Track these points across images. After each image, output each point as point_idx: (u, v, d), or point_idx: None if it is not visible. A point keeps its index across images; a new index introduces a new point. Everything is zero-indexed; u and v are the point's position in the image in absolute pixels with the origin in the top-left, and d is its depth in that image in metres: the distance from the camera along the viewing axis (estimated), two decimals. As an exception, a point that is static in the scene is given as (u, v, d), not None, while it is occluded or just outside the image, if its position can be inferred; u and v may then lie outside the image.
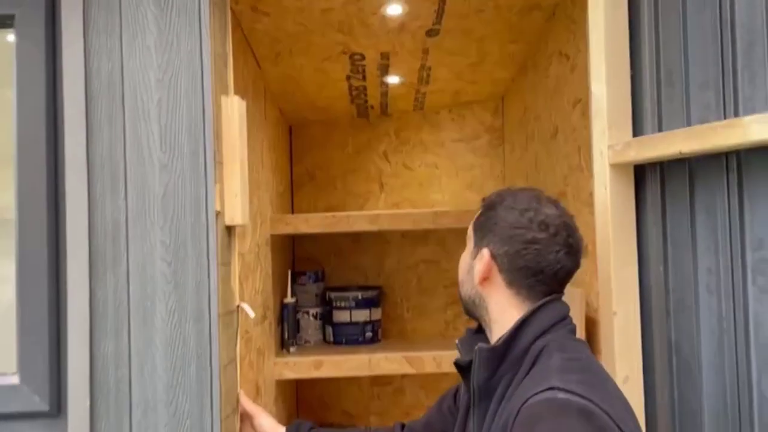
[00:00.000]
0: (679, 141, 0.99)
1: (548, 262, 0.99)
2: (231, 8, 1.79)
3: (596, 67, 1.09)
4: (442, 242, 2.69)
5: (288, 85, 2.37)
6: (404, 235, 2.69)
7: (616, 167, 1.07)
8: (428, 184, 2.73)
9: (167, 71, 1.11)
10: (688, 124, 1.03)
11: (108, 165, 1.10)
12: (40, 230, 1.09)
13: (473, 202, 2.64)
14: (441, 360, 2.30)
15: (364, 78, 2.31)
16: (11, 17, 1.12)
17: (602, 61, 1.07)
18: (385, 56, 2.11)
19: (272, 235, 2.34)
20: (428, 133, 2.74)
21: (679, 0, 1.03)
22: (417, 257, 2.72)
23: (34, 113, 1.11)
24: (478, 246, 1.09)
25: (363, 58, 2.12)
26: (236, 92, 1.87)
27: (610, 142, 1.06)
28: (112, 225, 1.10)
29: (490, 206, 1.09)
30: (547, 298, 1.00)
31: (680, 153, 0.99)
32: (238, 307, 1.24)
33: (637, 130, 1.09)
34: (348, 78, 2.31)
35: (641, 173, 1.10)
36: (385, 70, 2.24)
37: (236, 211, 1.18)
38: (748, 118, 0.86)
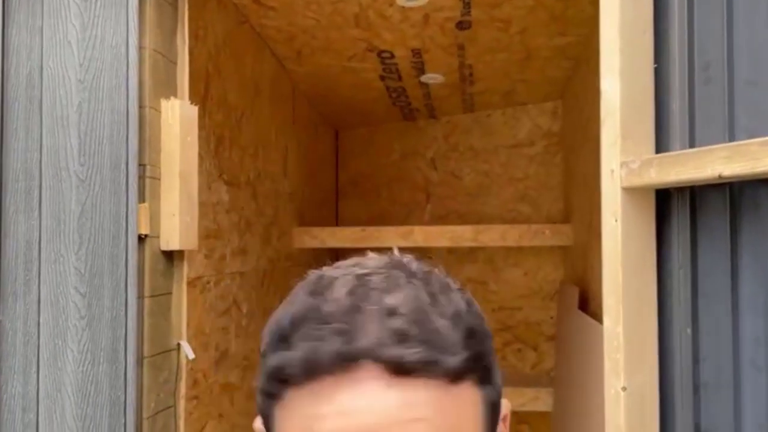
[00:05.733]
0: (718, 160, 0.71)
1: None
2: (234, 2, 1.65)
3: (608, 57, 0.82)
4: (490, 261, 2.41)
5: (320, 86, 2.20)
6: (450, 251, 2.44)
7: (632, 192, 0.79)
8: (477, 194, 2.46)
9: (89, 70, 0.96)
10: (732, 137, 0.74)
11: (23, 178, 0.96)
12: (-45, 250, 0.97)
13: (525, 218, 2.35)
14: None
15: (399, 78, 2.10)
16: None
17: (616, 48, 0.80)
18: (416, 53, 1.89)
19: (299, 249, 2.18)
20: (479, 137, 2.47)
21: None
22: (463, 276, 2.46)
23: (-48, 119, 0.98)
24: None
25: (392, 56, 1.91)
26: (241, 92, 1.73)
27: (624, 158, 0.79)
28: (25, 246, 0.96)
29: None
30: None
31: (720, 177, 0.71)
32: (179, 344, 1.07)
33: (661, 144, 0.80)
34: (382, 78, 2.10)
35: (664, 200, 0.81)
36: (420, 68, 2.01)
37: (173, 234, 1.01)
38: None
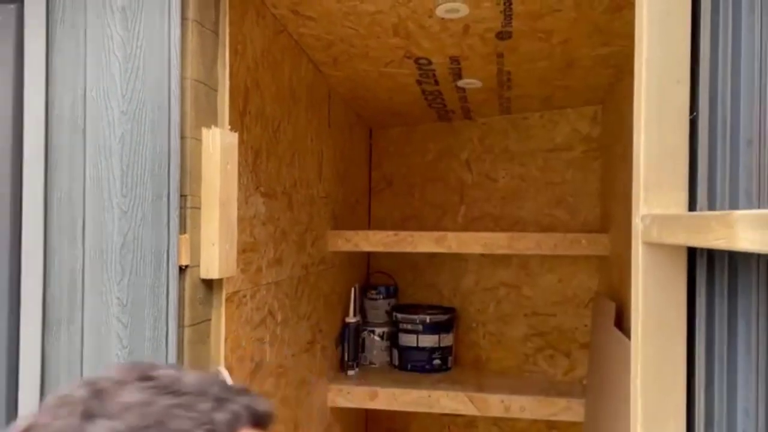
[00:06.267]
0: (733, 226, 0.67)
1: None
2: (273, 13, 1.64)
3: (638, 104, 0.76)
4: (525, 266, 2.39)
5: (356, 89, 2.19)
6: (484, 254, 2.42)
7: (655, 249, 0.75)
8: (512, 198, 2.43)
9: (131, 101, 0.96)
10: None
11: (66, 208, 0.98)
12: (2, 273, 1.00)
13: (562, 223, 2.31)
14: (510, 404, 2.04)
15: (436, 83, 2.07)
16: (-18, 41, 1.02)
17: (646, 96, 0.75)
18: (454, 60, 1.86)
19: (332, 252, 2.19)
20: (515, 140, 2.44)
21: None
22: (496, 279, 2.45)
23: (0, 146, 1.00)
24: None
25: (430, 62, 1.88)
26: (279, 102, 1.72)
27: (646, 211, 0.75)
28: (69, 275, 0.97)
29: None
30: None
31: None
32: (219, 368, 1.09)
33: (697, 194, 0.75)
34: (419, 83, 2.08)
35: (692, 258, 0.76)
36: (457, 74, 1.98)
37: (213, 263, 1.02)
38: None
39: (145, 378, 0.48)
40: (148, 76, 0.96)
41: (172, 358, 0.95)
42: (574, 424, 2.17)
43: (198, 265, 1.02)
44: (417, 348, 2.35)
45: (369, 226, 2.68)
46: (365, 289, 2.53)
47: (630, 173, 0.79)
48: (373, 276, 2.66)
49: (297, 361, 1.85)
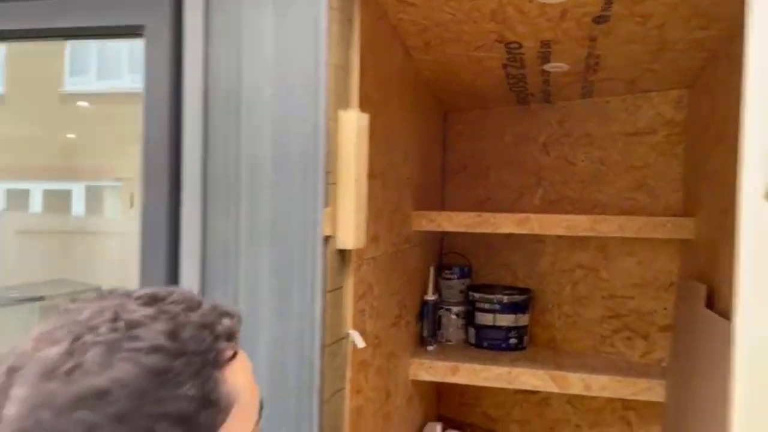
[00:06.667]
0: None
1: None
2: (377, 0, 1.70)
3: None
4: (603, 248, 2.42)
5: (441, 73, 2.24)
6: (561, 236, 2.46)
7: None
8: (591, 181, 2.46)
9: (283, 85, 1.05)
10: None
11: (222, 184, 1.07)
12: (160, 243, 1.10)
13: (642, 208, 2.33)
14: (590, 383, 2.08)
15: (522, 66, 2.11)
16: (141, 27, 1.12)
17: None
18: (545, 44, 1.89)
19: (415, 232, 2.26)
20: (595, 124, 2.45)
21: None
22: (573, 261, 2.48)
23: (158, 127, 1.10)
24: None
25: (520, 46, 1.92)
26: (377, 87, 1.80)
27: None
28: (224, 245, 1.07)
29: None
30: None
31: None
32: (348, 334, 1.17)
33: None
34: (505, 66, 2.12)
35: None
36: (546, 58, 2.02)
37: (349, 235, 1.10)
38: None
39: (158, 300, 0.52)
40: (298, 61, 1.04)
41: (318, 320, 1.03)
42: (651, 404, 2.21)
43: (335, 237, 1.10)
44: (494, 327, 2.41)
45: (442, 208, 2.74)
46: (439, 269, 2.60)
47: (726, 155, 0.82)
48: (446, 256, 2.73)
49: (388, 334, 1.93)
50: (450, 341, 2.52)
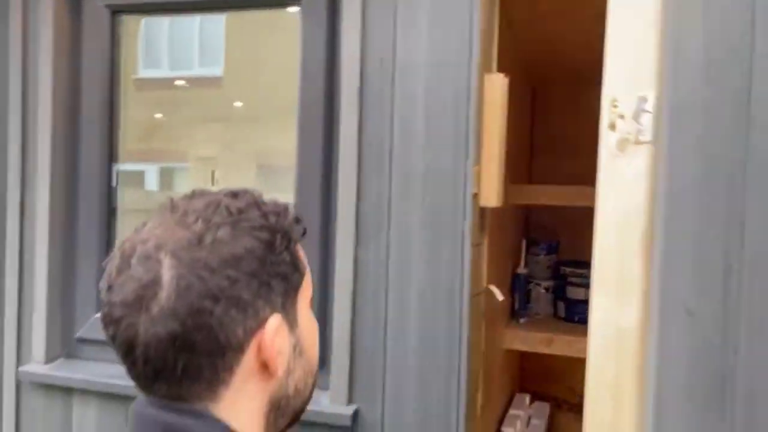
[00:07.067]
0: None
1: None
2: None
3: None
4: (698, 224, 2.40)
5: (539, 47, 2.26)
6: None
7: None
8: (687, 157, 2.43)
9: (436, 51, 1.11)
10: None
11: (376, 143, 1.14)
12: (314, 197, 1.19)
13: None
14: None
15: (623, 40, 2.11)
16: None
17: None
18: (652, 16, 1.89)
19: (506, 205, 2.30)
20: (692, 99, 2.42)
21: None
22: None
23: (314, 93, 1.19)
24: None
25: (626, 19, 1.92)
26: (485, 56, 1.84)
27: None
28: (377, 200, 1.15)
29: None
30: None
31: None
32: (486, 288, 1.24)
33: None
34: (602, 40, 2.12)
35: None
36: (650, 31, 2.01)
37: (492, 193, 1.16)
38: None
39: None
40: (451, 26, 1.10)
41: (467, 273, 1.10)
42: None
43: (479, 194, 1.16)
44: (585, 301, 2.44)
45: (529, 183, 2.76)
46: (527, 244, 2.64)
47: None
48: (534, 231, 2.76)
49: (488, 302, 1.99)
50: (539, 314, 2.55)
